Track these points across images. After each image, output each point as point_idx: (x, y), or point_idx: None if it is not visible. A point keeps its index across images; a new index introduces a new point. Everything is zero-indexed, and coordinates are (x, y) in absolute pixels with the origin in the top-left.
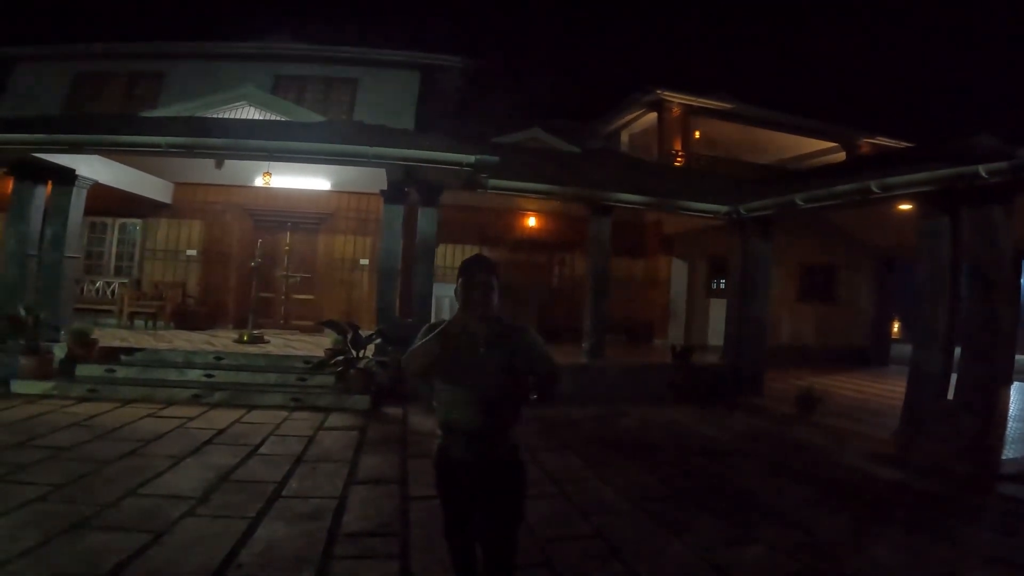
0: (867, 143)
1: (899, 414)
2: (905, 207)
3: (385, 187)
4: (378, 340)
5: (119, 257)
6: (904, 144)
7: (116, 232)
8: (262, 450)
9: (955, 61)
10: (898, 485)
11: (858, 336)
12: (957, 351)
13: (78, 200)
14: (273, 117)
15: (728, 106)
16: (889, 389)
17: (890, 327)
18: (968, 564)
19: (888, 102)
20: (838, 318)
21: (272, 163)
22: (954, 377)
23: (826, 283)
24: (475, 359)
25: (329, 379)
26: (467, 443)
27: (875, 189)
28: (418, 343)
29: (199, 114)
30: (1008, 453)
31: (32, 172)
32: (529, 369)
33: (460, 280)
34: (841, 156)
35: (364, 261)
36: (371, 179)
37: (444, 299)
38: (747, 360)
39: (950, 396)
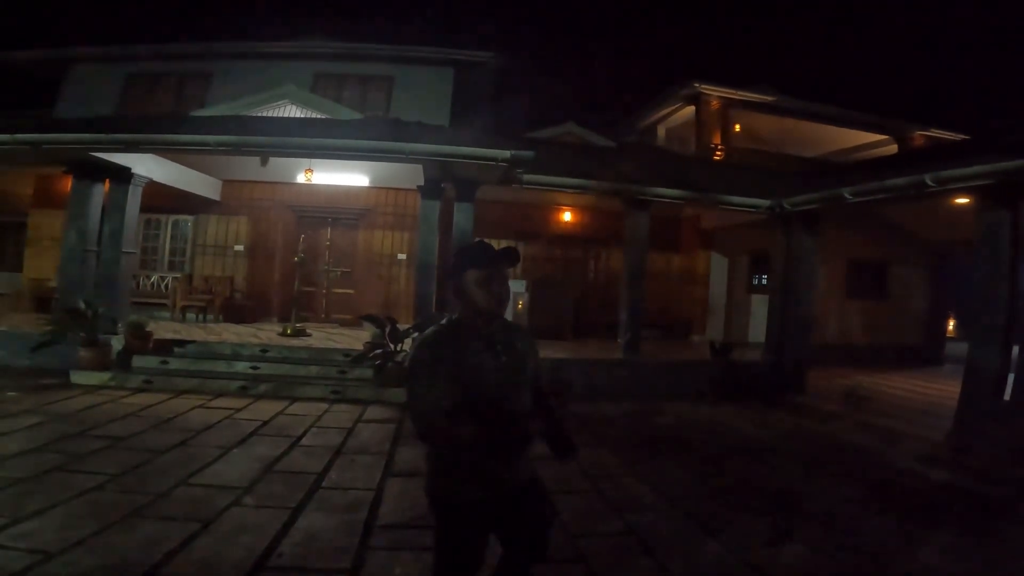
0: (921, 135)
1: (952, 415)
2: (961, 201)
3: (422, 183)
4: (415, 334)
5: (172, 252)
6: (960, 136)
7: (169, 228)
8: (304, 441)
9: (1013, 50)
10: (950, 487)
11: (910, 334)
12: (1015, 350)
13: (134, 198)
14: (313, 115)
15: (769, 99)
16: (942, 389)
17: (944, 325)
18: (1021, 569)
19: (943, 93)
20: (889, 315)
21: (313, 160)
22: (1012, 377)
23: (876, 279)
24: (499, 368)
25: (368, 372)
26: (499, 469)
27: (930, 182)
28: (424, 385)
29: (244, 113)
30: None
31: (90, 171)
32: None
33: (478, 273)
34: (892, 149)
35: (402, 256)
36: (408, 175)
37: None
38: (790, 357)
39: (1007, 397)
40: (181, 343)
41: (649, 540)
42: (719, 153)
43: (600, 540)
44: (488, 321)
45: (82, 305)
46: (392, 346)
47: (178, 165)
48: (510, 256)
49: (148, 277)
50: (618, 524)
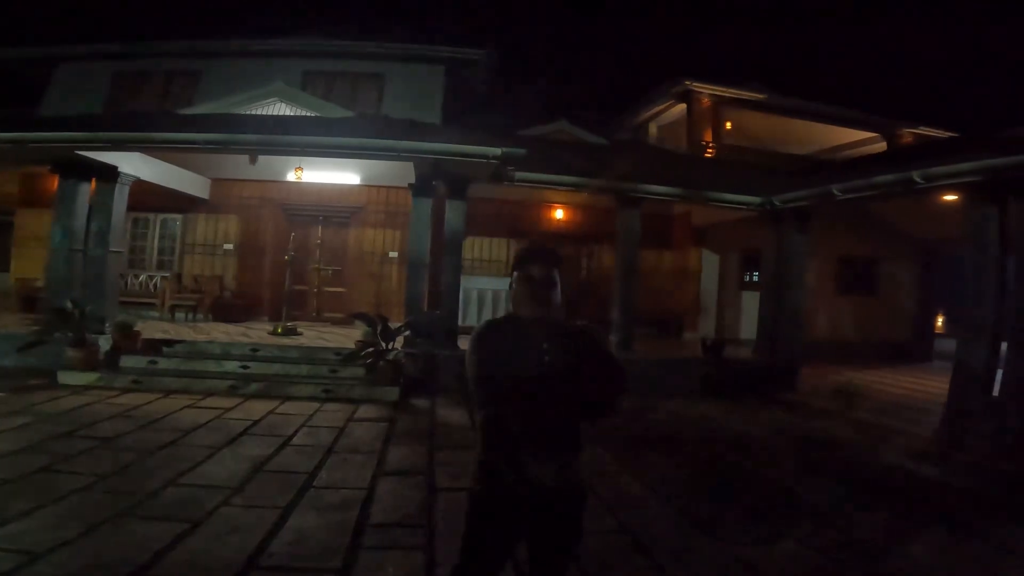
0: (909, 133)
1: (941, 411)
2: (950, 198)
3: (413, 181)
4: (407, 332)
5: (160, 251)
6: (949, 134)
7: (157, 227)
8: (294, 441)
9: (1003, 48)
10: (939, 483)
11: (900, 331)
12: (1004, 346)
13: (121, 196)
14: (303, 113)
15: (760, 96)
16: (932, 385)
17: (933, 321)
18: (1011, 565)
19: (932, 91)
20: (879, 312)
21: (303, 158)
22: (1000, 373)
23: (866, 276)
24: (539, 369)
25: (359, 371)
26: (528, 471)
27: (918, 180)
28: (476, 372)
29: (233, 111)
30: None
31: (77, 170)
32: (595, 379)
33: (518, 273)
34: (881, 146)
35: (393, 254)
36: (399, 173)
37: (472, 292)
38: (781, 354)
39: (996, 392)
40: (170, 343)
41: (642, 538)
42: (710, 151)
43: (593, 538)
44: (526, 321)
45: (69, 305)
46: (384, 344)
47: (166, 164)
48: (539, 256)
49: (136, 276)
50: (611, 522)
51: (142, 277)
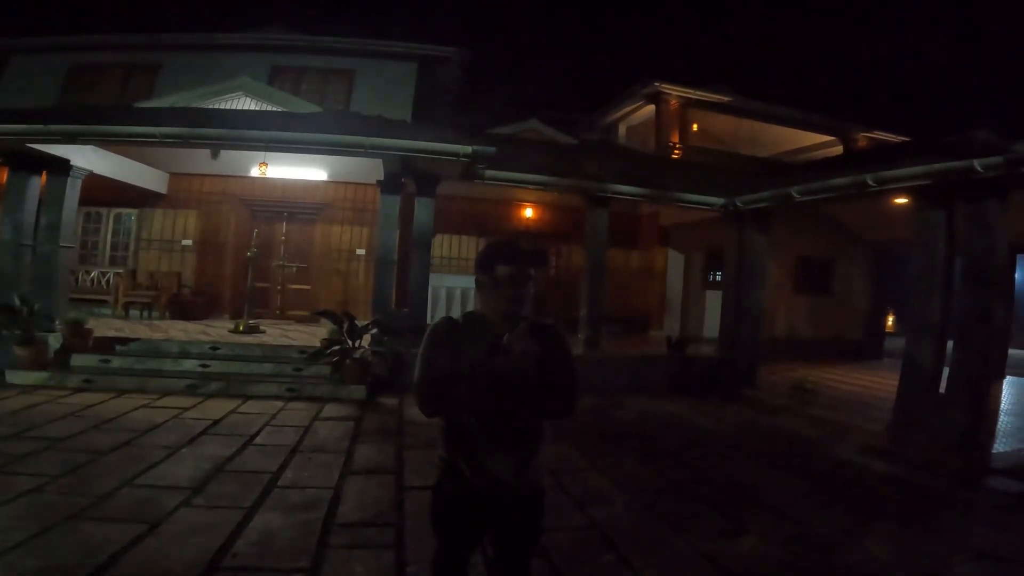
0: (864, 137)
1: (892, 407)
2: (901, 201)
3: (382, 177)
4: (374, 330)
5: (114, 247)
6: (901, 138)
7: (111, 222)
8: (257, 440)
9: (954, 55)
10: (890, 478)
11: (853, 329)
12: (950, 345)
13: (73, 190)
14: (269, 108)
15: (726, 99)
16: (882, 382)
17: (885, 320)
18: (957, 557)
19: (887, 96)
20: (833, 311)
21: (268, 153)
22: (947, 371)
23: (822, 276)
24: (504, 368)
25: (325, 369)
26: (491, 470)
27: (871, 183)
28: (424, 367)
29: (195, 105)
30: (999, 447)
31: (27, 162)
32: (551, 376)
33: (497, 271)
34: (838, 150)
35: (361, 251)
36: (368, 169)
37: (440, 289)
38: (743, 352)
39: (942, 390)
40: (124, 341)
41: (610, 534)
42: (677, 152)
43: (563, 534)
44: (491, 320)
45: (17, 301)
46: (350, 343)
47: (121, 157)
48: (512, 256)
49: (88, 273)
50: (580, 518)
51: (94, 273)
